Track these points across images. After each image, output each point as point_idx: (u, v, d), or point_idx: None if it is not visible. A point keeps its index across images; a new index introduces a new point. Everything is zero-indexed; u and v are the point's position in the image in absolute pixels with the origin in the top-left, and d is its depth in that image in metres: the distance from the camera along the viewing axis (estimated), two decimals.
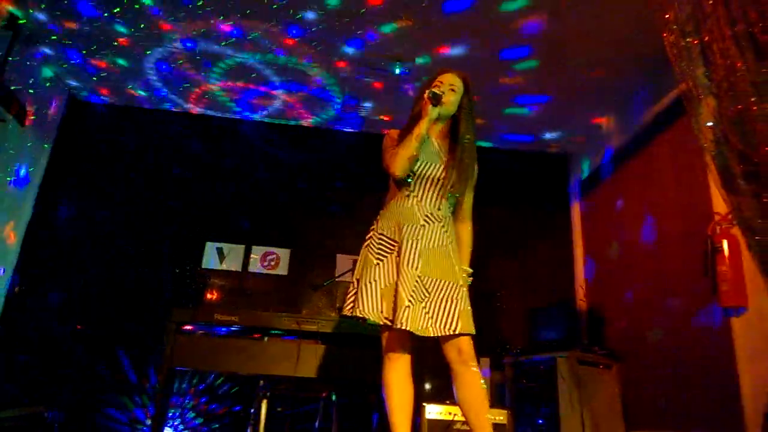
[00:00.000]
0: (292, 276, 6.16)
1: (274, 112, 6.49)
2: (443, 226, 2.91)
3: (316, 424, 4.86)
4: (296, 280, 6.15)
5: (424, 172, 2.93)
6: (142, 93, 6.21)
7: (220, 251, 6.12)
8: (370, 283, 2.82)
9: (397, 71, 5.40)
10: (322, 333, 4.39)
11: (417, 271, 2.75)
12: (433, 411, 4.38)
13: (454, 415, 4.34)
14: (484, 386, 2.80)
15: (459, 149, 2.96)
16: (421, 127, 2.86)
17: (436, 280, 2.78)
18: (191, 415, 5.54)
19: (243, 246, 6.17)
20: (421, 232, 2.85)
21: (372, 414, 4.85)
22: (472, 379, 2.78)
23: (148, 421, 5.45)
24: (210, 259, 6.10)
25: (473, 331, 2.74)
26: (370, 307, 2.75)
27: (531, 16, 4.65)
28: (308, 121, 6.65)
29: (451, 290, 2.77)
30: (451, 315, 2.71)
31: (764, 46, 2.71)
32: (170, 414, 5.40)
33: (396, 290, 2.73)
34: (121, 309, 5.76)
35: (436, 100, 2.84)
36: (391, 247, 2.88)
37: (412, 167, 2.90)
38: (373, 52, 5.23)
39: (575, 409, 4.66)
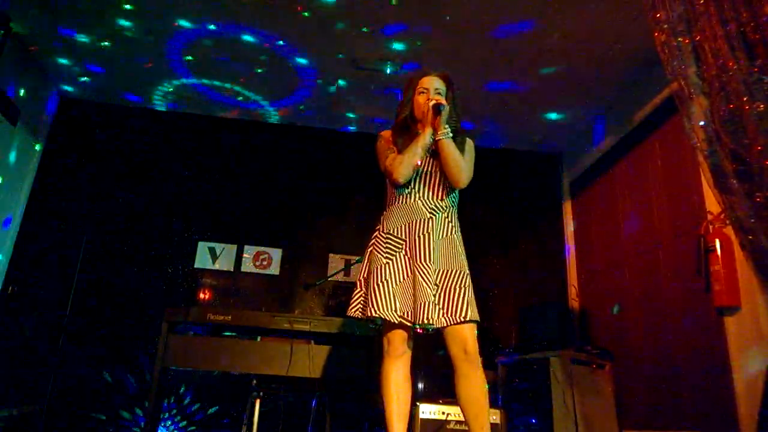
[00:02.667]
0: (285, 276, 6.15)
1: (266, 112, 6.47)
2: (447, 217, 2.98)
3: (309, 423, 4.85)
4: (288, 279, 6.14)
5: (423, 168, 3.00)
6: (134, 92, 6.18)
7: (212, 251, 6.11)
8: (381, 283, 2.83)
9: (388, 70, 5.40)
10: (315, 332, 4.38)
11: (432, 264, 2.80)
12: (427, 410, 4.37)
13: (448, 414, 4.34)
14: (486, 387, 2.81)
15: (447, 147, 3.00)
16: (426, 138, 2.95)
17: (445, 270, 2.84)
18: (184, 414, 5.52)
19: (235, 246, 6.16)
20: (429, 224, 2.90)
21: (364, 413, 4.85)
22: (476, 380, 2.79)
23: (141, 421, 5.43)
24: (202, 259, 6.08)
25: (479, 319, 2.85)
26: (386, 307, 2.77)
27: (521, 14, 4.65)
28: (301, 121, 6.64)
29: (458, 279, 2.84)
30: (460, 303, 2.78)
31: (756, 46, 2.72)
32: (163, 414, 5.38)
33: (415, 287, 2.77)
34: (114, 309, 5.74)
35: (439, 110, 2.92)
36: (399, 245, 2.92)
37: (413, 174, 2.98)
38: (365, 52, 5.23)
39: (568, 408, 4.66)
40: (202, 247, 6.12)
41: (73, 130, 6.32)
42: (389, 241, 2.94)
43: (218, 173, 6.46)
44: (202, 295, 6.01)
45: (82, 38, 5.26)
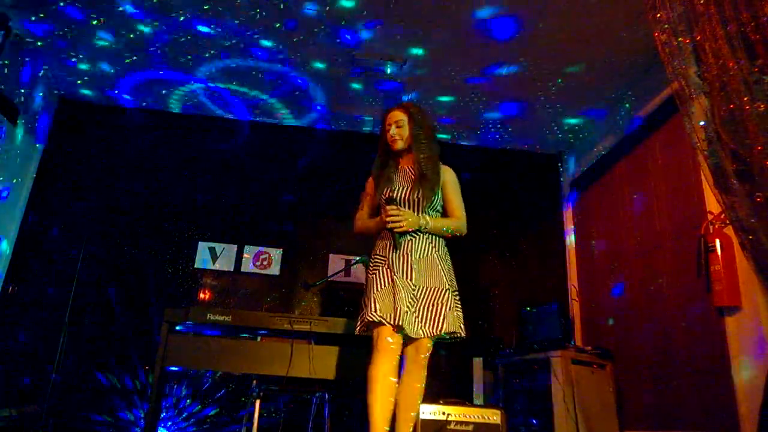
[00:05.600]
0: (285, 276, 6.14)
1: (265, 112, 6.47)
2: (428, 238, 3.21)
3: (309, 423, 4.85)
4: (288, 280, 6.14)
5: (402, 196, 3.24)
6: (134, 93, 6.18)
7: (212, 251, 6.10)
8: (368, 296, 3.09)
9: (389, 70, 5.41)
10: (315, 333, 4.37)
11: (412, 282, 3.04)
12: (427, 411, 4.37)
13: (448, 414, 4.34)
14: (423, 383, 3.11)
15: (418, 171, 3.27)
16: (380, 225, 3.25)
17: (424, 288, 3.08)
18: (184, 414, 5.52)
19: (235, 246, 6.16)
20: (410, 246, 3.15)
21: (364, 413, 4.84)
22: (417, 376, 3.09)
23: (142, 421, 5.43)
24: (202, 259, 6.08)
25: (461, 332, 3.07)
26: (369, 309, 3.01)
27: (523, 12, 4.65)
28: (300, 121, 6.64)
29: (436, 295, 3.07)
30: (437, 317, 3.01)
31: (756, 46, 2.72)
32: (163, 414, 5.38)
33: (394, 294, 3.00)
34: (114, 309, 5.73)
35: (391, 201, 3.17)
36: (383, 261, 3.17)
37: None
38: (365, 52, 5.23)
39: (569, 408, 4.66)
40: (202, 247, 6.12)
41: (73, 130, 6.32)
42: (376, 259, 3.23)
43: (218, 173, 6.45)
44: (202, 295, 6.01)
45: (83, 38, 5.26)
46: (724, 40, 2.77)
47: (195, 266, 6.05)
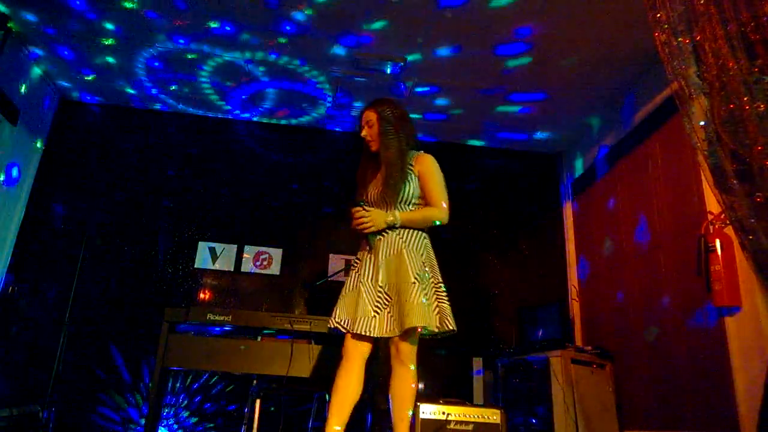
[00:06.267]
0: (285, 276, 6.15)
1: (266, 112, 6.47)
2: (398, 234, 3.16)
3: (310, 423, 4.85)
4: (289, 279, 6.14)
5: (373, 196, 3.26)
6: (134, 92, 6.18)
7: (212, 251, 6.11)
8: (337, 301, 3.22)
9: (389, 70, 5.41)
10: (315, 333, 4.38)
11: (379, 283, 3.06)
12: (427, 410, 4.38)
13: (448, 414, 4.34)
14: (414, 385, 3.07)
15: (383, 167, 3.25)
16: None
17: (393, 285, 3.04)
18: (185, 414, 5.53)
19: (235, 246, 6.16)
20: (378, 245, 3.15)
21: (365, 413, 4.84)
22: (404, 376, 3.06)
23: (142, 421, 5.44)
24: (202, 259, 6.08)
25: (427, 323, 2.95)
26: (332, 315, 3.16)
27: (523, 15, 4.65)
28: (300, 121, 6.64)
29: (401, 290, 3.00)
30: (401, 313, 2.95)
31: (756, 46, 2.72)
32: (164, 413, 5.39)
33: (357, 301, 3.06)
34: (114, 309, 5.74)
35: (355, 204, 3.24)
36: (356, 265, 3.26)
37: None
38: (365, 51, 5.23)
39: (569, 408, 4.66)
40: (202, 247, 6.12)
41: (73, 130, 6.32)
42: (354, 262, 3.30)
43: (219, 173, 6.46)
44: (202, 295, 6.01)
45: (83, 38, 5.26)
46: (724, 40, 2.77)
47: (195, 266, 6.06)
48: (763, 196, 2.66)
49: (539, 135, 6.61)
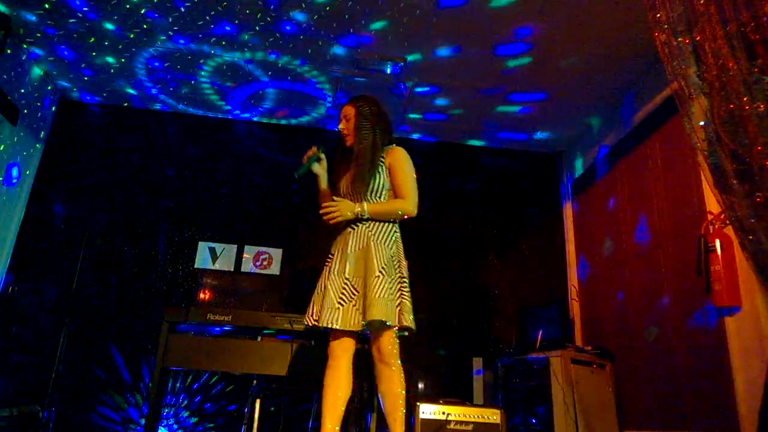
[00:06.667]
0: (285, 276, 6.14)
1: (266, 112, 6.47)
2: (367, 226, 3.18)
3: (310, 423, 4.85)
4: (288, 279, 6.14)
5: (343, 188, 3.33)
6: (134, 92, 6.18)
7: (212, 251, 6.11)
8: (313, 295, 3.20)
9: (389, 70, 5.41)
10: (315, 332, 4.38)
11: (345, 275, 3.06)
12: (427, 410, 4.38)
13: (448, 414, 4.34)
14: (400, 383, 3.03)
15: (354, 160, 3.28)
16: (320, 184, 3.58)
17: (360, 278, 3.04)
18: (185, 414, 5.53)
19: (235, 246, 6.16)
20: (347, 238, 3.20)
21: (366, 413, 4.85)
22: (389, 376, 3.03)
23: (142, 421, 5.44)
24: (202, 259, 6.08)
25: (388, 318, 2.93)
26: (307, 312, 3.14)
27: (523, 15, 4.65)
28: (300, 121, 6.64)
29: (366, 283, 3.01)
30: (366, 305, 2.94)
31: (756, 46, 2.72)
32: (164, 413, 5.39)
33: (324, 297, 3.05)
34: (114, 309, 5.74)
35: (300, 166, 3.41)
36: (329, 261, 3.26)
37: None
38: (365, 51, 5.23)
39: (569, 408, 4.66)
40: (202, 247, 6.12)
41: (73, 130, 6.32)
42: (328, 258, 3.29)
43: (219, 173, 6.46)
44: (202, 295, 6.01)
45: (83, 38, 5.26)
46: (724, 40, 2.77)
47: (195, 266, 6.06)
48: (763, 196, 2.66)
49: (539, 135, 6.60)
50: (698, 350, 4.27)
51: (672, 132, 4.79)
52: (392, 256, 3.13)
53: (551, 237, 6.72)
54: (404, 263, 3.20)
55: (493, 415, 4.39)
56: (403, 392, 3.03)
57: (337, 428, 2.93)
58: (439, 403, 4.41)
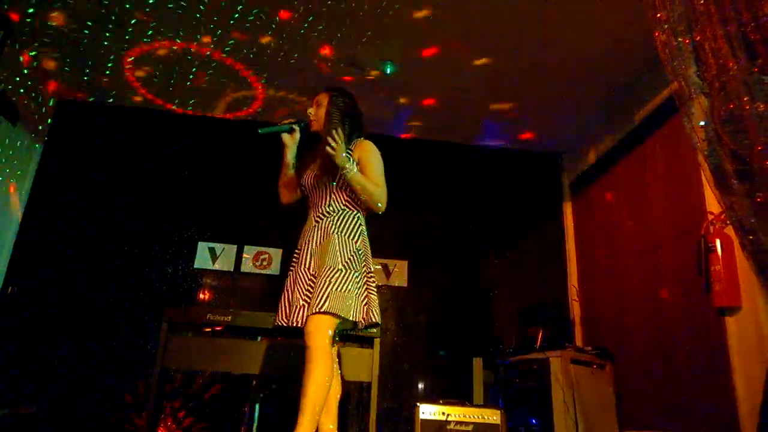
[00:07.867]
0: (284, 276, 6.12)
1: (265, 112, 6.46)
2: (332, 220, 3.08)
3: None
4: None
5: (308, 179, 3.25)
6: (134, 93, 6.17)
7: (212, 251, 6.10)
8: (282, 293, 3.11)
9: (389, 70, 5.41)
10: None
11: (310, 270, 3.01)
12: (427, 411, 4.37)
13: (448, 415, 4.34)
14: (311, 369, 2.76)
15: (318, 146, 3.19)
16: (286, 156, 3.42)
17: (317, 271, 2.95)
18: (184, 415, 5.51)
19: (235, 246, 6.16)
20: (312, 233, 3.11)
21: (364, 412, 4.84)
22: (309, 370, 2.76)
23: (141, 421, 5.43)
24: (202, 259, 6.08)
25: (342, 313, 2.79)
26: (277, 313, 3.06)
27: (523, 17, 4.65)
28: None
29: (324, 275, 2.87)
30: (319, 297, 2.79)
31: (756, 46, 2.71)
32: (163, 413, 5.37)
33: (292, 294, 3.01)
34: (114, 309, 5.73)
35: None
36: (296, 258, 3.18)
37: (294, 196, 3.44)
38: (365, 51, 5.23)
39: (568, 408, 4.66)
40: (202, 247, 6.12)
41: (73, 131, 6.32)
42: (294, 254, 3.22)
43: (218, 173, 6.45)
44: (201, 295, 6.00)
45: (83, 38, 5.26)
46: (724, 40, 2.77)
47: (195, 266, 6.05)
48: (764, 196, 2.66)
49: (538, 135, 6.59)
50: (698, 350, 4.27)
51: (672, 132, 4.79)
52: (358, 250, 3.03)
53: (551, 237, 6.72)
54: (370, 256, 3.12)
55: (493, 416, 4.38)
56: (312, 379, 2.74)
57: (335, 428, 2.90)
58: (439, 404, 4.40)
